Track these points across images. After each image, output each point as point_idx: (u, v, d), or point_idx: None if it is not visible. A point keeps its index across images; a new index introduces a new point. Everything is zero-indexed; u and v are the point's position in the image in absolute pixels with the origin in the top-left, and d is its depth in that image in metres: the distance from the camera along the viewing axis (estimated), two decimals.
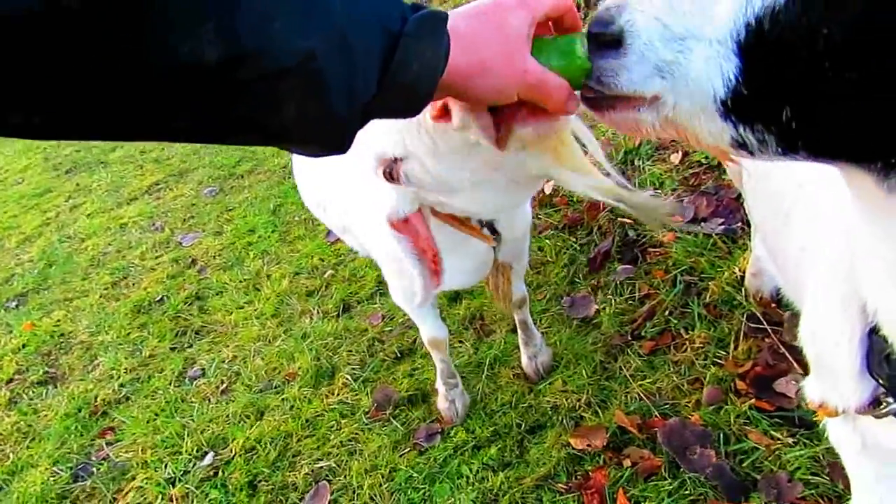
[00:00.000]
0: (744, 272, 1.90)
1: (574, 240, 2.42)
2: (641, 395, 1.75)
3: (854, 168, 0.57)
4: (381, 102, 0.60)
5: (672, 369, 1.80)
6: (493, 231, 1.38)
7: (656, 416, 1.68)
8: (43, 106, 0.46)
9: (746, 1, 0.54)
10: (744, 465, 1.48)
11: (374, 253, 1.57)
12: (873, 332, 0.73)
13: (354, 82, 0.56)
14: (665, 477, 1.51)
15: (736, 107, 0.56)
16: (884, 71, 0.49)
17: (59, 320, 3.09)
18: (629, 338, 1.95)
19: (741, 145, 0.59)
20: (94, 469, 2.13)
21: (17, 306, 3.38)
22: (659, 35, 0.57)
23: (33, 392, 2.62)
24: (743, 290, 1.87)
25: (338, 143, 0.61)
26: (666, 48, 0.57)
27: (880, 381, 0.74)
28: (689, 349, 1.84)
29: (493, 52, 0.64)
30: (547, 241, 2.46)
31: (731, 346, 1.77)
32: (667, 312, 1.97)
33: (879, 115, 0.52)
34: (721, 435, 1.55)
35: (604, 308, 2.10)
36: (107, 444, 2.22)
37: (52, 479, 2.12)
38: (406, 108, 0.64)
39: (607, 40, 0.60)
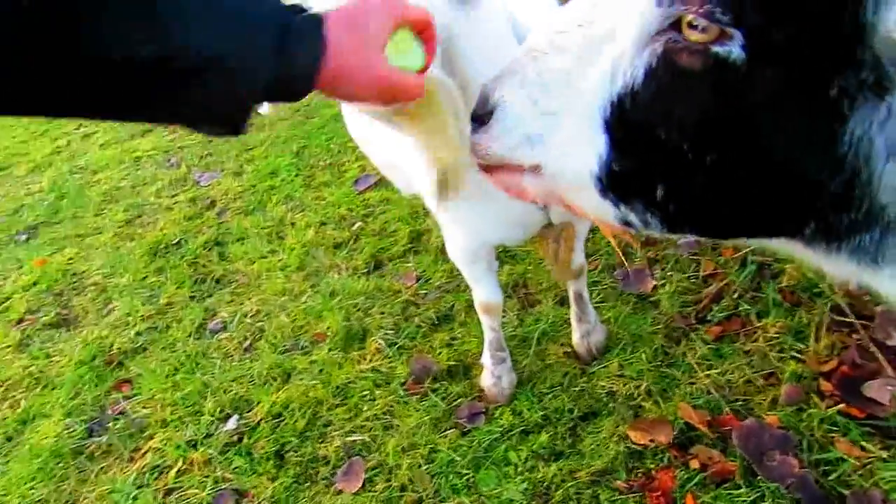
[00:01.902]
0: None
1: None
2: (709, 387, 1.60)
3: (770, 241, 0.57)
4: (269, 94, 0.69)
5: (743, 360, 1.64)
6: None
7: (727, 412, 1.53)
8: None
9: (610, 78, 0.55)
10: (830, 477, 1.34)
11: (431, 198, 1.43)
12: None
13: (255, 77, 0.65)
14: (740, 485, 1.37)
15: (612, 183, 0.57)
16: (744, 154, 0.50)
17: (71, 258, 2.95)
18: (693, 321, 1.79)
19: (626, 223, 0.60)
20: (110, 424, 2.01)
21: (27, 240, 3.23)
22: (529, 109, 0.61)
23: (45, 335, 2.49)
24: (827, 277, 1.69)
25: (234, 126, 0.69)
26: (535, 121, 0.60)
27: None
28: (761, 338, 1.67)
29: (351, 61, 0.71)
30: None
31: (812, 339, 1.61)
32: (736, 295, 1.80)
33: (756, 194, 0.51)
34: (804, 441, 1.41)
35: (663, 284, 1.93)
36: (123, 398, 2.10)
37: (65, 431, 2.01)
38: (288, 100, 0.72)
39: (482, 115, 0.66)
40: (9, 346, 2.47)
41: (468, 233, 1.45)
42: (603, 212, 0.60)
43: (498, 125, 0.63)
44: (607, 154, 0.56)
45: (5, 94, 0.55)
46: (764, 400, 1.53)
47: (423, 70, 0.81)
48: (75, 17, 0.53)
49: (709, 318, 1.78)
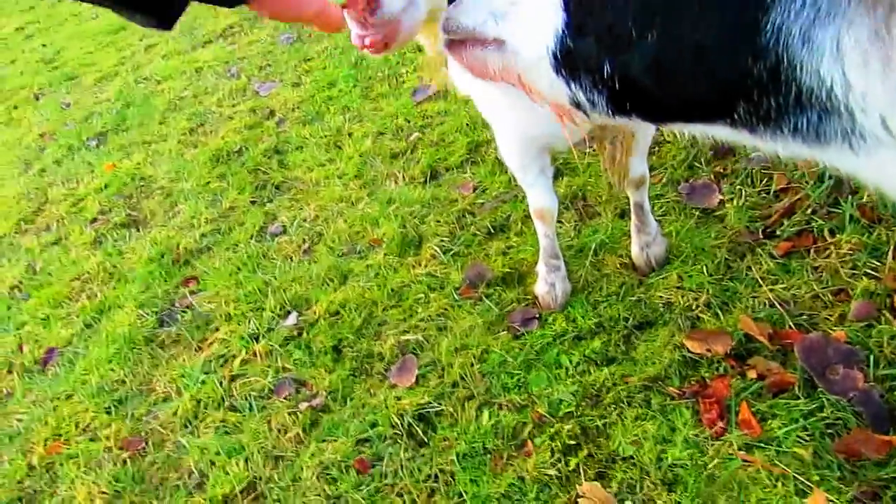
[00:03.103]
0: None
1: None
2: (773, 300, 1.55)
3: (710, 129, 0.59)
4: None
5: (812, 276, 1.58)
6: None
7: (790, 326, 1.49)
8: None
9: None
10: (895, 393, 1.30)
11: (480, 97, 1.41)
12: None
13: None
14: (798, 396, 1.35)
15: (565, 60, 0.60)
16: (674, 34, 0.53)
17: (138, 163, 3.04)
18: (760, 235, 1.72)
19: (576, 104, 0.63)
20: (179, 316, 2.12)
21: (97, 146, 3.34)
22: None
23: (117, 234, 2.62)
24: None
25: (166, 18, 0.67)
26: None
27: None
28: (833, 255, 1.60)
29: None
30: None
31: (890, 256, 1.52)
32: (809, 211, 1.71)
33: (687, 76, 0.54)
34: (871, 357, 1.36)
35: (730, 199, 1.85)
36: (190, 293, 2.20)
37: (138, 321, 2.14)
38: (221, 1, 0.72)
39: None
40: (85, 243, 2.61)
41: (513, 128, 1.44)
42: (556, 90, 0.63)
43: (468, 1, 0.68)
44: (563, 30, 0.59)
45: None
46: (831, 316, 1.48)
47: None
48: None
49: (777, 232, 1.70)
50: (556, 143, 1.51)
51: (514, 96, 1.26)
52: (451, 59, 0.87)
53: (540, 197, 1.59)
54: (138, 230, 2.62)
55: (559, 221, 1.97)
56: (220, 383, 1.84)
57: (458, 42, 0.72)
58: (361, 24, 0.98)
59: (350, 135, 2.75)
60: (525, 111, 1.34)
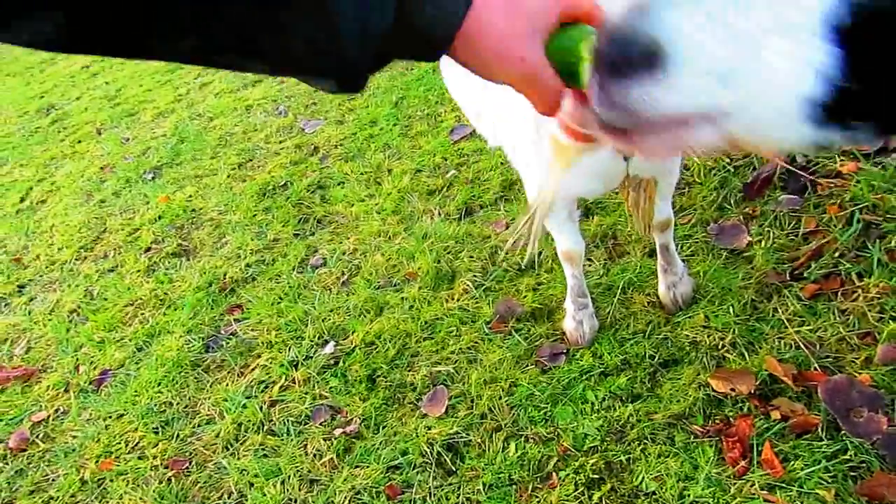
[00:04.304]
0: None
1: (727, 160, 2.17)
2: (799, 342, 1.57)
3: None
4: (394, 44, 0.54)
5: (838, 318, 1.60)
6: None
7: (815, 368, 1.50)
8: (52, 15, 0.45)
9: None
10: None
11: (512, 151, 1.48)
12: None
13: (368, 18, 0.51)
14: (822, 437, 1.37)
15: (837, 106, 0.45)
16: None
17: (190, 196, 3.22)
18: (787, 277, 1.75)
19: (819, 146, 0.50)
20: (224, 342, 2.24)
21: (153, 178, 3.55)
22: (717, 36, 0.45)
23: (168, 262, 2.77)
24: None
25: (350, 81, 0.56)
26: (725, 50, 0.45)
27: None
28: (861, 298, 1.61)
29: (494, 30, 0.56)
30: (695, 159, 2.21)
31: None
32: (837, 254, 1.73)
33: None
34: (895, 401, 1.37)
35: (758, 241, 1.88)
36: (234, 320, 2.32)
37: (186, 346, 2.26)
38: (423, 53, 0.58)
39: (631, 62, 0.47)
40: (139, 271, 2.77)
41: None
42: (796, 140, 0.49)
43: (680, 67, 0.46)
44: (835, 69, 0.44)
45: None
46: (857, 359, 1.49)
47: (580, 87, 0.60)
48: None
49: (805, 275, 1.73)
50: (585, 195, 1.55)
51: (545, 155, 1.32)
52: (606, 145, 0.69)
53: (567, 240, 1.65)
54: (188, 259, 2.77)
55: (588, 259, 2.03)
56: (261, 408, 1.94)
57: (623, 129, 0.53)
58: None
59: (389, 171, 2.87)
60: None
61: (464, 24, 0.55)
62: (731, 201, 2.05)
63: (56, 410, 2.22)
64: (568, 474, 1.49)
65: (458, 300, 2.07)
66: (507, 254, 2.18)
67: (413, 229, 2.45)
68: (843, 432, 1.36)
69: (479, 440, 1.64)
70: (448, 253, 2.27)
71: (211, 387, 2.09)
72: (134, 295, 2.63)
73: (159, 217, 3.12)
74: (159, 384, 2.14)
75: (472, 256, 2.22)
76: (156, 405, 2.07)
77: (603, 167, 1.34)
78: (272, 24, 0.49)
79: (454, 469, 1.60)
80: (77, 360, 2.41)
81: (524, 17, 0.57)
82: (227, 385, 2.07)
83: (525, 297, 1.99)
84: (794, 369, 1.51)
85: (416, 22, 0.53)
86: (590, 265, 2.02)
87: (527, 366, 1.78)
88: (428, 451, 1.64)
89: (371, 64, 0.55)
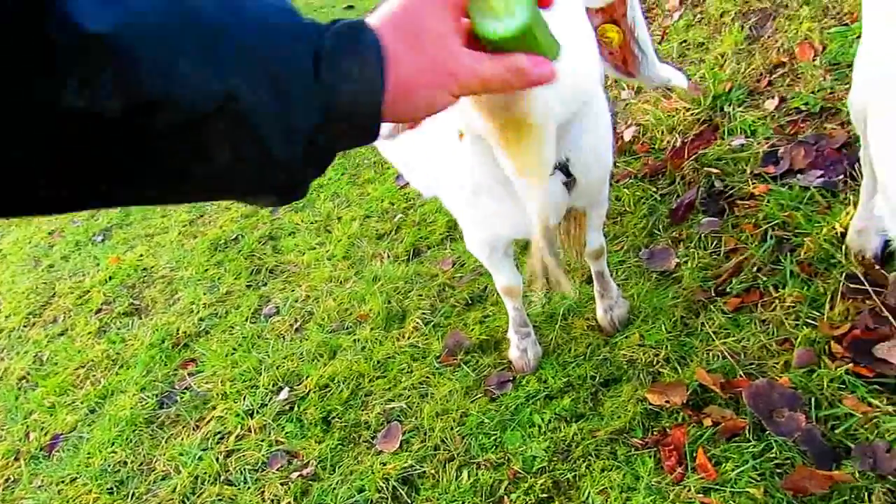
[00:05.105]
0: (845, 229, 1.77)
1: (654, 189, 2.31)
2: (725, 353, 1.68)
3: None
4: (328, 133, 0.51)
5: (759, 328, 1.71)
6: (567, 173, 1.31)
7: (741, 375, 1.61)
8: None
9: None
10: (836, 431, 1.41)
11: (447, 200, 1.55)
12: None
13: (291, 116, 0.48)
14: (749, 439, 1.46)
15: None
16: None
17: (141, 255, 3.23)
18: (713, 294, 1.87)
19: None
20: (178, 397, 2.24)
21: (102, 240, 3.54)
22: None
23: (120, 322, 2.76)
24: (843, 247, 1.75)
25: (289, 187, 0.53)
26: None
27: None
28: (778, 308, 1.74)
29: (411, 70, 0.53)
30: (625, 189, 2.36)
31: (827, 306, 1.66)
32: (755, 269, 1.86)
33: None
34: (812, 399, 1.48)
35: (685, 262, 2.01)
36: (189, 374, 2.32)
37: (139, 404, 2.25)
38: (358, 135, 0.54)
39: None
40: (90, 333, 2.75)
41: (485, 230, 1.52)
42: None
43: None
44: None
45: None
46: (777, 364, 1.60)
47: (524, 37, 0.55)
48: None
49: (728, 290, 1.85)
50: (520, 237, 1.62)
51: (489, 208, 1.38)
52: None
53: (505, 277, 1.73)
54: (140, 318, 2.76)
55: (531, 290, 2.13)
56: (217, 459, 1.94)
57: None
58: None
59: (339, 219, 2.94)
60: (501, 219, 1.42)
61: (385, 83, 0.52)
62: (660, 227, 2.19)
63: (6, 480, 2.17)
64: (518, 496, 1.54)
65: (408, 338, 2.13)
66: (454, 290, 2.26)
67: (363, 273, 2.51)
68: (767, 432, 1.45)
69: (433, 471, 1.68)
70: (398, 293, 2.34)
71: (166, 442, 2.08)
72: (85, 357, 2.61)
73: (110, 278, 3.11)
74: (113, 444, 2.12)
75: (420, 295, 2.29)
76: (110, 465, 2.05)
77: (554, 200, 1.42)
78: (199, 153, 0.46)
79: (410, 501, 1.63)
80: (27, 426, 2.37)
81: (428, 50, 0.54)
82: (183, 439, 2.06)
83: (472, 329, 2.07)
84: (721, 378, 1.61)
85: (338, 105, 0.50)
86: (533, 294, 2.12)
87: (476, 395, 1.84)
88: (384, 486, 1.67)
89: (305, 165, 0.52)
